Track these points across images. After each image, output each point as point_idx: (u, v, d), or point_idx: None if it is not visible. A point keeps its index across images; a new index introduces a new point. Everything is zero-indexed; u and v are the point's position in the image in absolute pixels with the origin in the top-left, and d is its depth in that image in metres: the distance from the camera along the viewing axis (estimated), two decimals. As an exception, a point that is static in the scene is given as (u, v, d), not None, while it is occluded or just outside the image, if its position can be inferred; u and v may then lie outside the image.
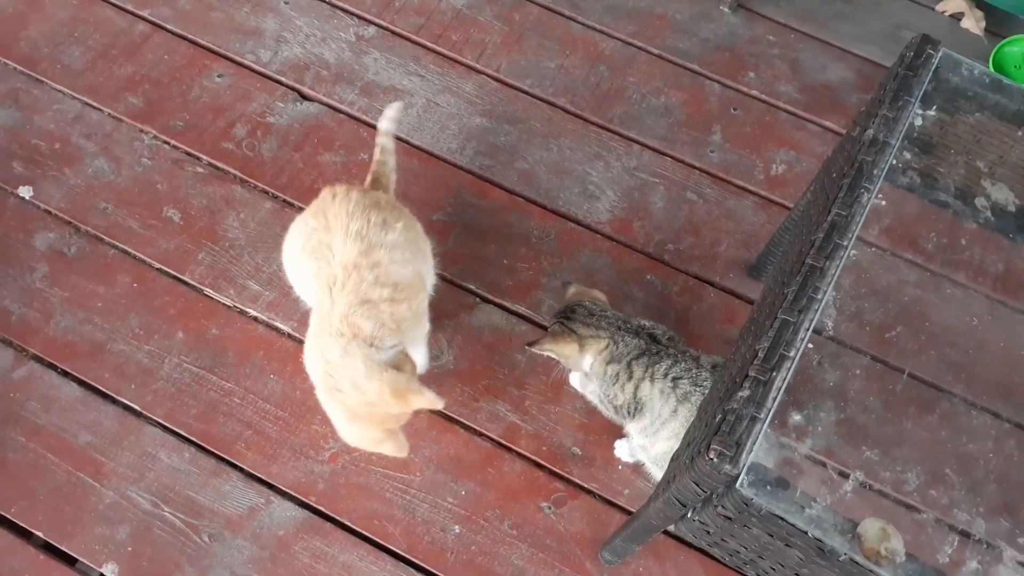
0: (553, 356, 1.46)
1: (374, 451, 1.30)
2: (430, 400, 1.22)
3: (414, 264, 1.38)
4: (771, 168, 1.90)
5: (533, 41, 2.03)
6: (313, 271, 1.28)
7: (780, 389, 0.89)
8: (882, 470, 0.90)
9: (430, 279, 1.49)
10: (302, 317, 1.56)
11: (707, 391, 1.32)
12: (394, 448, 1.26)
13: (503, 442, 1.57)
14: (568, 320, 1.44)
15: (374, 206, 1.34)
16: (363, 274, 1.25)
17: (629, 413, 1.41)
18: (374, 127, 1.87)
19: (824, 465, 0.90)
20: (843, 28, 2.13)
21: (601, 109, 1.95)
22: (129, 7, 1.97)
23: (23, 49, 1.90)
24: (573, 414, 1.59)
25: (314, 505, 1.49)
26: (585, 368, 1.43)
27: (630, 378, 1.38)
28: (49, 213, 1.71)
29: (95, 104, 1.84)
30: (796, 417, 0.91)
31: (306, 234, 1.32)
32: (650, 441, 1.41)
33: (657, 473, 1.46)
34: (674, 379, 1.35)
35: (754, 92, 2.01)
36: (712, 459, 0.86)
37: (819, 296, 0.95)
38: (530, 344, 1.43)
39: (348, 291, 1.24)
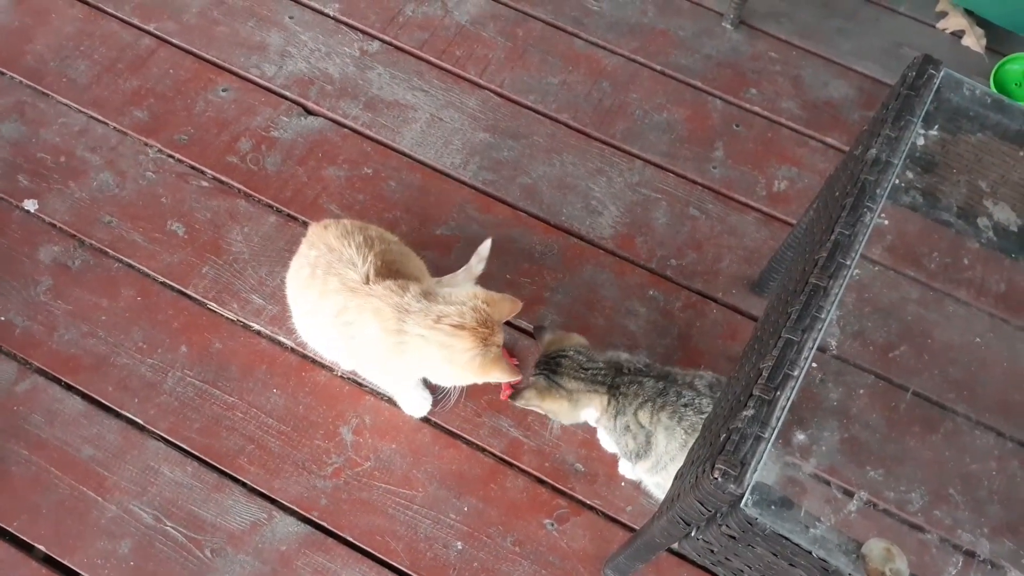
0: (539, 411, 1.39)
1: (487, 380, 1.33)
2: (512, 303, 1.32)
3: (416, 273, 1.45)
4: (773, 184, 1.91)
5: (536, 57, 2.04)
6: (333, 287, 1.32)
7: (784, 408, 0.90)
8: (886, 489, 0.90)
9: None
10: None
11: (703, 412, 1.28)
12: (507, 372, 1.30)
13: (505, 458, 1.57)
14: (554, 374, 1.35)
15: (365, 227, 1.43)
16: (388, 267, 1.35)
17: (640, 456, 1.36)
18: (378, 141, 1.89)
19: (828, 484, 0.90)
20: (844, 45, 2.14)
21: (604, 125, 1.96)
22: (135, 21, 1.99)
23: (29, 62, 1.91)
24: (575, 430, 1.59)
25: (316, 520, 1.49)
26: (590, 421, 1.39)
27: (641, 426, 1.33)
28: (54, 226, 1.72)
29: (100, 118, 1.85)
30: (800, 436, 0.92)
31: (310, 264, 1.36)
32: (663, 477, 1.36)
33: (660, 495, 1.46)
34: (679, 417, 1.30)
35: (756, 108, 2.02)
36: (717, 478, 0.86)
37: (823, 315, 0.96)
38: (513, 398, 1.35)
39: (383, 277, 1.32)
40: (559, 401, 1.34)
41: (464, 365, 1.30)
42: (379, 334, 1.30)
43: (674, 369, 1.36)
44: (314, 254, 1.36)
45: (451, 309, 1.28)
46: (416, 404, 1.56)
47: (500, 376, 1.31)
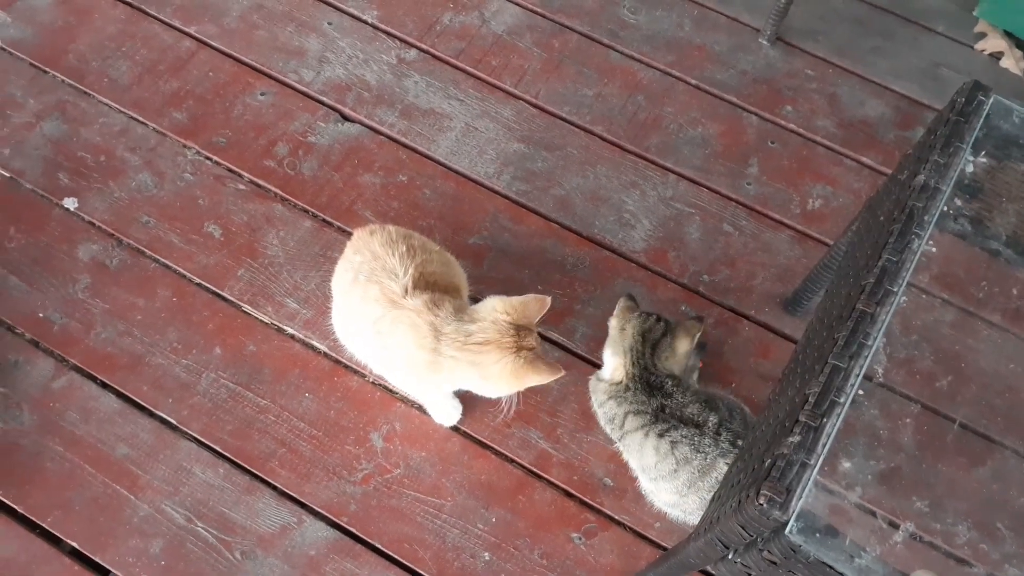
0: (612, 322, 1.49)
1: (529, 385, 1.35)
2: (538, 301, 1.34)
3: (457, 282, 1.47)
4: (807, 202, 1.90)
5: (572, 69, 2.05)
6: (373, 295, 1.34)
7: (831, 436, 0.89)
8: (932, 521, 0.90)
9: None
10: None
11: (708, 456, 1.35)
12: (548, 372, 1.31)
13: (534, 470, 1.57)
14: (645, 324, 1.45)
15: (409, 235, 1.45)
16: (427, 279, 1.36)
17: (614, 436, 1.46)
18: (413, 149, 1.89)
19: (873, 514, 0.89)
20: (881, 64, 2.13)
21: (638, 138, 1.96)
22: (176, 24, 2.01)
23: (72, 62, 1.93)
24: (605, 444, 1.59)
25: (345, 526, 1.49)
26: (604, 369, 1.47)
27: (622, 426, 1.41)
28: (93, 225, 1.73)
29: (140, 118, 1.87)
30: (845, 464, 0.91)
31: (354, 269, 1.38)
32: (654, 488, 1.45)
33: (667, 509, 1.50)
34: (672, 442, 1.36)
35: (791, 125, 2.01)
36: (762, 504, 0.86)
37: (870, 342, 0.95)
38: (629, 297, 1.51)
39: (421, 289, 1.34)
40: (626, 326, 1.45)
41: (497, 377, 1.32)
42: (414, 350, 1.32)
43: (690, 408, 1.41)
44: (358, 259, 1.38)
45: (475, 327, 1.31)
46: (446, 413, 1.57)
47: (538, 379, 1.33)
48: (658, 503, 1.49)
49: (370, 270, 1.35)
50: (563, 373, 1.33)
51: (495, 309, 1.32)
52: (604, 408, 1.45)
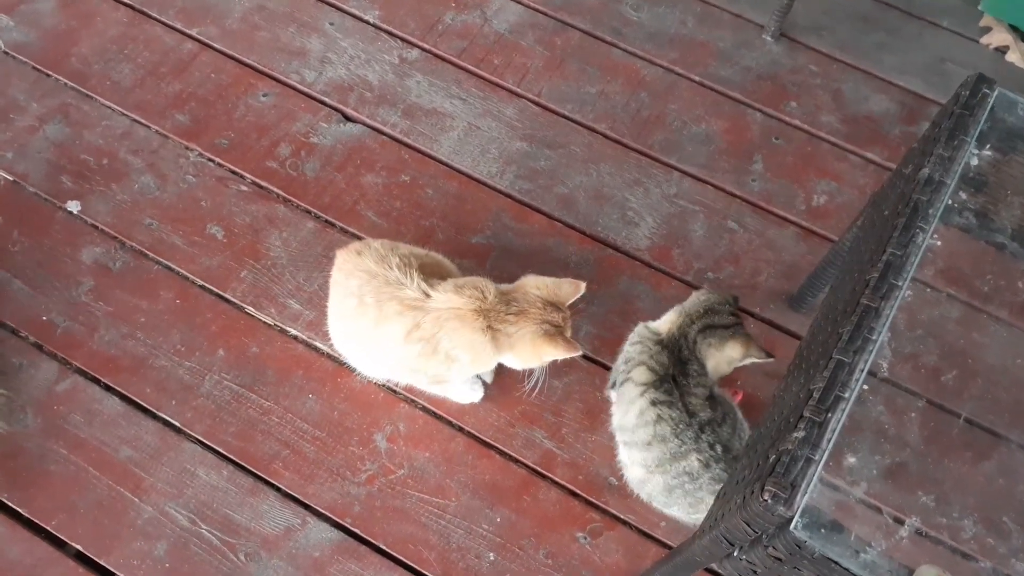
0: (695, 294, 1.52)
1: (551, 358, 1.40)
2: (572, 285, 1.41)
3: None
4: (812, 199, 1.89)
5: (574, 66, 2.04)
6: (394, 311, 1.34)
7: (835, 431, 0.88)
8: (938, 516, 0.89)
9: None
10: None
11: (684, 446, 1.35)
12: (565, 347, 1.36)
13: (539, 469, 1.56)
14: (720, 305, 1.46)
15: (396, 246, 1.45)
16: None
17: (616, 381, 1.47)
18: (415, 149, 1.89)
19: (878, 509, 0.88)
20: (886, 59, 2.12)
21: (641, 135, 1.96)
22: (178, 26, 2.01)
23: (74, 65, 1.94)
24: (609, 443, 1.58)
25: (350, 527, 1.49)
26: (658, 321, 1.49)
27: (629, 372, 1.43)
28: (96, 228, 1.74)
29: (143, 121, 1.87)
30: (850, 459, 0.90)
31: (355, 294, 1.37)
32: (626, 455, 1.46)
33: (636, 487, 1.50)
34: (658, 415, 1.37)
35: (796, 122, 2.00)
36: (766, 500, 0.85)
37: (874, 337, 0.94)
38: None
39: (438, 283, 1.37)
40: (703, 296, 1.48)
41: (519, 346, 1.37)
42: (472, 335, 1.33)
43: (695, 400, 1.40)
44: (355, 283, 1.37)
45: (510, 298, 1.37)
46: (471, 391, 1.58)
47: (555, 352, 1.37)
48: (628, 476, 1.48)
49: (374, 290, 1.34)
50: (581, 351, 1.38)
51: (528, 284, 1.40)
52: (629, 348, 1.47)
